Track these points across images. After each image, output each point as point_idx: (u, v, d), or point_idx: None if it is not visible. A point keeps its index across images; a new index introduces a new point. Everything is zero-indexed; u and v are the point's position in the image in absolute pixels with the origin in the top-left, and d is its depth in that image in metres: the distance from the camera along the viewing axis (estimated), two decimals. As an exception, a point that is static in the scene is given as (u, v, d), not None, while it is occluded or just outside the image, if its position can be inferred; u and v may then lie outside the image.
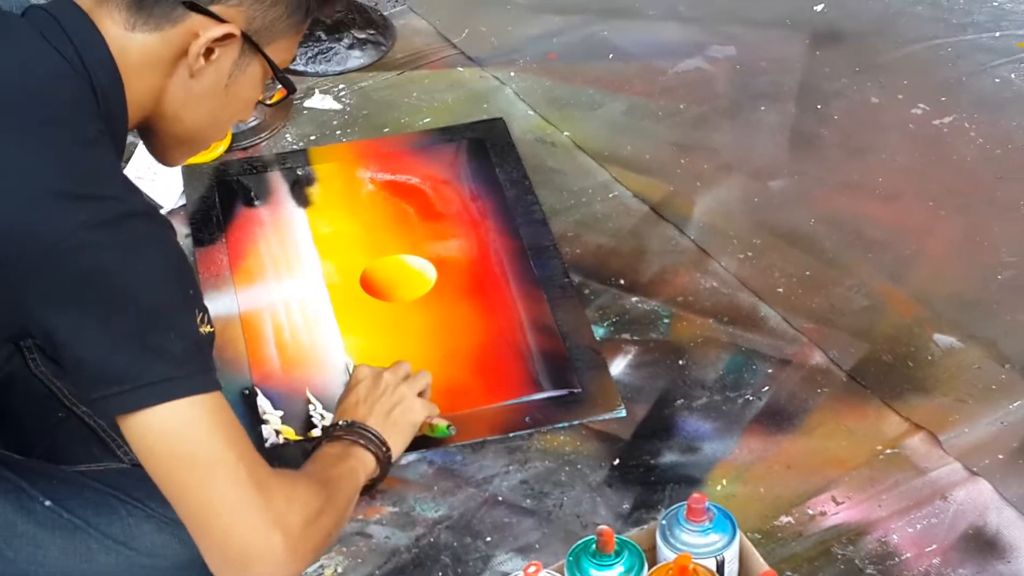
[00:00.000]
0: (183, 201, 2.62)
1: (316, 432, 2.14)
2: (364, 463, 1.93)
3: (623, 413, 2.18)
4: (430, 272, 2.42)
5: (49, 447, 1.95)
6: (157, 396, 1.57)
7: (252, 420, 2.16)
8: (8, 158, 1.56)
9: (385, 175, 2.63)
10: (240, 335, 2.32)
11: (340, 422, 1.99)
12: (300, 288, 2.40)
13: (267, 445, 2.11)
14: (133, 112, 1.68)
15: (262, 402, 2.19)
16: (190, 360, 1.58)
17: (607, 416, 2.18)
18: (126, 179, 1.65)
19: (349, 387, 2.07)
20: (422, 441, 2.11)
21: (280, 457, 2.07)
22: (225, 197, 2.58)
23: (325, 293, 2.39)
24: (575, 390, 2.22)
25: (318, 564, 2.00)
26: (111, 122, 1.65)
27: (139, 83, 1.67)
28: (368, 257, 2.46)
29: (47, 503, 1.77)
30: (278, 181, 2.61)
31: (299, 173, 2.63)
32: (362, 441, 1.96)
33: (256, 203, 2.57)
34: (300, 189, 2.59)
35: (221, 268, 2.43)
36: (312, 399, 2.21)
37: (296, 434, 2.16)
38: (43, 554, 1.78)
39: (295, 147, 2.73)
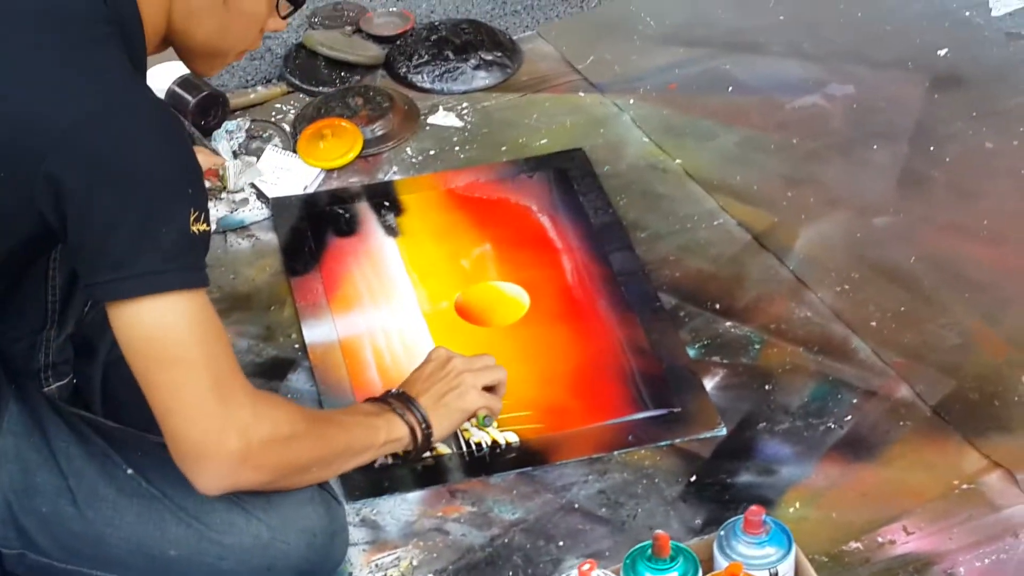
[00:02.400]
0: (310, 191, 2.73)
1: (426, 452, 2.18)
2: (392, 429, 2.01)
3: (723, 431, 2.23)
4: (524, 298, 2.48)
5: (146, 428, 2.04)
6: (143, 287, 1.68)
7: None
8: (25, 55, 1.69)
9: (471, 205, 2.70)
10: (341, 361, 2.39)
11: (395, 390, 2.07)
12: (397, 315, 2.47)
13: (375, 466, 2.15)
14: (151, 32, 1.81)
15: None
16: (179, 255, 1.70)
17: (708, 435, 2.22)
18: (137, 78, 1.77)
19: (422, 363, 2.15)
20: (522, 459, 2.18)
21: (390, 477, 2.16)
22: (316, 228, 2.65)
23: (422, 319, 2.45)
24: (675, 409, 2.26)
25: (394, 555, 2.07)
26: (129, 41, 1.77)
27: (149, 3, 1.80)
28: (460, 284, 2.52)
29: (129, 471, 1.87)
30: (367, 212, 2.68)
31: (387, 204, 2.70)
32: (399, 411, 2.04)
33: (347, 234, 2.64)
34: (389, 219, 2.66)
35: (317, 296, 2.50)
36: None
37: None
38: (120, 518, 1.88)
39: (414, 160, 2.82)
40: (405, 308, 2.48)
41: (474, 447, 2.20)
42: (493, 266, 2.56)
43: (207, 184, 2.55)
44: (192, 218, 1.71)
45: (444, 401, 2.09)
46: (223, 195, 2.67)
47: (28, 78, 1.69)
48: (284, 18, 1.95)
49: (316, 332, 2.44)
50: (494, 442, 2.20)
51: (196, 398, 1.75)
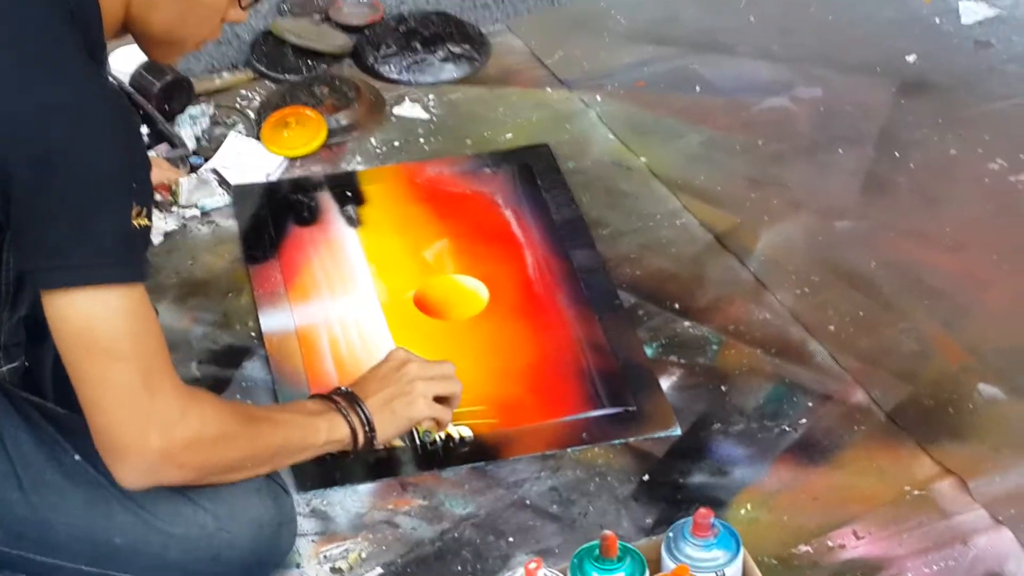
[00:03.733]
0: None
1: (377, 444, 2.13)
2: (333, 429, 1.99)
3: (678, 431, 2.22)
4: (483, 292, 2.48)
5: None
6: (78, 279, 1.68)
7: None
8: None
9: (434, 197, 2.69)
10: (297, 350, 2.37)
11: (344, 388, 2.06)
12: (355, 305, 2.46)
13: (327, 457, 2.10)
14: (109, 18, 1.80)
15: None
16: (117, 249, 1.69)
17: (662, 434, 2.22)
18: (92, 68, 1.75)
19: (379, 363, 2.12)
20: (475, 454, 2.18)
21: (341, 468, 2.15)
22: (276, 216, 2.64)
23: (380, 311, 2.44)
24: (630, 408, 2.26)
25: (343, 547, 2.06)
26: (86, 28, 1.76)
27: None
28: (420, 277, 2.52)
29: (76, 457, 1.86)
30: (328, 202, 2.67)
31: (348, 194, 2.69)
32: (344, 412, 2.01)
33: (307, 223, 2.63)
34: (350, 210, 2.66)
35: (275, 285, 2.49)
36: None
37: None
38: (66, 504, 1.87)
39: (378, 150, 2.81)
40: (363, 299, 2.47)
41: (427, 440, 2.19)
42: (453, 259, 2.55)
43: (157, 197, 2.54)
44: (134, 212, 1.71)
45: (392, 406, 2.05)
46: (173, 209, 2.64)
47: None
48: (244, 9, 1.94)
49: (273, 321, 2.43)
50: (447, 436, 2.20)
51: (121, 393, 1.74)
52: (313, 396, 2.07)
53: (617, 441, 2.21)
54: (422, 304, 2.46)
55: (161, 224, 2.62)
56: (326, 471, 2.15)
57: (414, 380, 2.08)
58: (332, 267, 2.54)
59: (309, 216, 2.64)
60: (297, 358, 2.36)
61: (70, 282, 1.70)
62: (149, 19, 1.85)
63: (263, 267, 2.54)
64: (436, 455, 2.18)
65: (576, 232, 2.60)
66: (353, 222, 2.63)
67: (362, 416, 2.02)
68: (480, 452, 2.19)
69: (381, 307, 2.45)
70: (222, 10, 1.90)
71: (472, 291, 2.48)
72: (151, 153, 2.78)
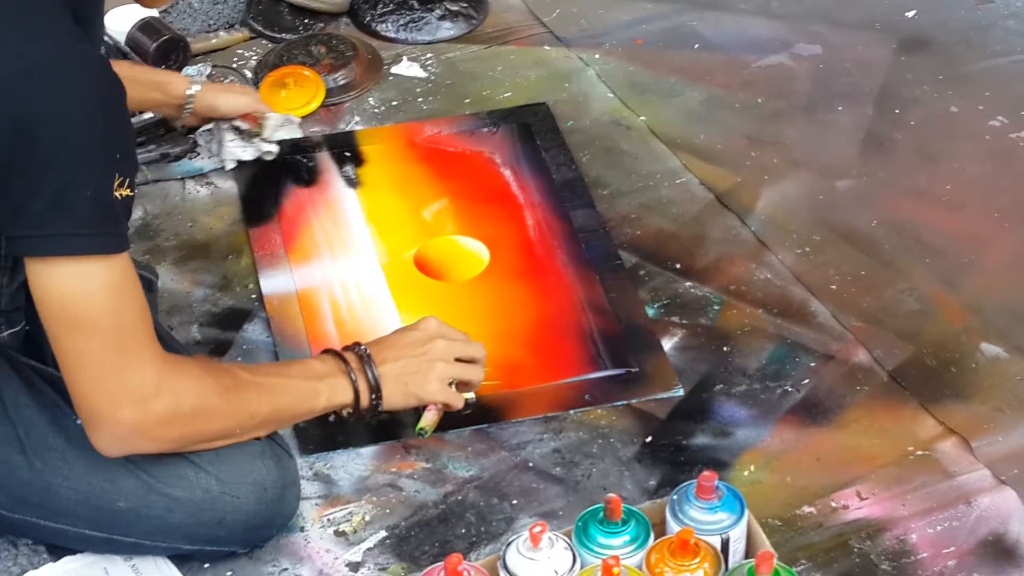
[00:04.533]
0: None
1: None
2: (335, 393, 1.98)
3: (680, 392, 2.22)
4: (483, 252, 2.47)
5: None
6: (60, 248, 1.69)
7: None
8: None
9: (433, 157, 2.67)
10: (298, 311, 2.37)
11: (363, 345, 2.04)
12: (355, 267, 2.45)
13: (330, 419, 2.09)
14: None
15: None
16: (98, 220, 1.69)
17: (665, 395, 2.22)
18: (75, 32, 1.74)
19: (406, 328, 2.10)
20: (478, 416, 2.17)
21: (344, 431, 2.14)
22: (275, 178, 2.62)
23: (380, 272, 2.44)
24: (632, 369, 2.26)
25: (347, 510, 2.06)
26: None
27: None
28: (420, 238, 2.51)
29: (79, 421, 1.85)
30: (327, 162, 2.66)
31: (347, 155, 2.67)
32: (353, 375, 2.00)
33: (307, 183, 2.62)
34: (349, 170, 2.64)
35: (275, 247, 2.48)
36: None
37: None
38: (69, 468, 1.87)
39: (376, 110, 2.79)
40: (364, 260, 2.46)
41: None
42: (453, 220, 2.54)
43: (243, 126, 2.54)
44: (116, 183, 1.70)
45: (402, 380, 2.03)
46: (254, 140, 2.61)
47: None
48: None
49: (273, 283, 2.42)
50: None
51: (98, 365, 1.75)
52: (326, 351, 2.05)
53: (619, 402, 2.21)
54: (422, 265, 2.45)
55: (239, 151, 2.60)
56: (329, 434, 2.15)
57: (436, 360, 2.05)
58: (332, 228, 2.53)
59: (308, 177, 2.63)
60: (298, 320, 2.35)
61: (51, 251, 1.70)
62: None
63: (263, 229, 2.53)
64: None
65: (576, 192, 2.59)
66: (352, 183, 2.62)
67: (371, 381, 2.01)
68: (483, 414, 2.18)
69: (381, 268, 2.44)
70: None
71: (472, 252, 2.47)
72: (229, 80, 2.81)
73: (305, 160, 2.66)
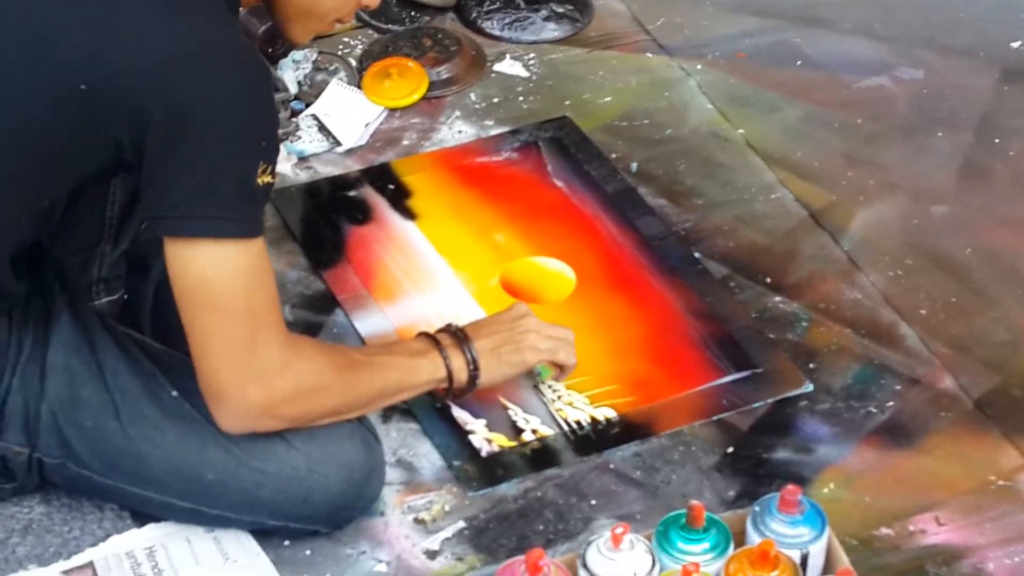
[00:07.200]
0: (364, 141, 2.71)
1: (527, 436, 2.17)
2: (436, 368, 2.04)
3: (811, 387, 2.24)
4: (568, 271, 2.45)
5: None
6: (202, 229, 1.74)
7: (457, 433, 2.18)
8: None
9: (481, 180, 2.64)
10: None
11: (457, 326, 2.10)
12: (447, 299, 2.41)
13: (483, 455, 2.14)
14: None
15: (459, 414, 2.20)
16: (241, 205, 1.75)
17: (797, 392, 2.24)
18: (230, 21, 1.79)
19: (500, 311, 2.17)
20: (627, 433, 2.18)
21: (502, 464, 2.14)
22: (328, 218, 2.56)
23: (472, 301, 2.40)
24: (757, 370, 2.27)
25: (427, 499, 2.08)
26: None
27: None
28: (498, 263, 2.47)
29: (174, 393, 1.90)
30: (374, 197, 2.59)
31: (391, 187, 2.62)
32: (449, 351, 2.04)
33: (361, 221, 2.56)
34: (400, 203, 2.59)
35: (356, 288, 2.42)
36: (508, 404, 2.22)
37: (508, 439, 2.18)
38: (161, 438, 1.92)
39: (477, 106, 2.81)
40: (452, 292, 2.42)
41: (575, 425, 2.18)
42: (524, 240, 2.52)
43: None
44: (260, 170, 1.75)
45: (500, 351, 2.10)
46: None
47: (128, 14, 1.73)
48: None
49: (369, 323, 2.37)
50: (593, 419, 2.19)
51: (228, 346, 1.81)
52: (420, 335, 2.09)
53: (757, 404, 2.22)
54: (512, 290, 2.43)
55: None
56: (490, 468, 2.14)
57: (528, 332, 2.12)
58: (407, 263, 2.48)
59: (361, 214, 2.57)
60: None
61: (194, 232, 1.75)
62: None
63: (335, 271, 2.46)
64: (589, 439, 2.17)
65: (633, 201, 2.58)
66: (409, 215, 2.57)
67: (468, 356, 2.05)
68: (632, 431, 2.19)
69: (472, 297, 2.41)
70: None
71: (557, 272, 2.46)
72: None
73: (352, 196, 2.61)
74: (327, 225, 2.55)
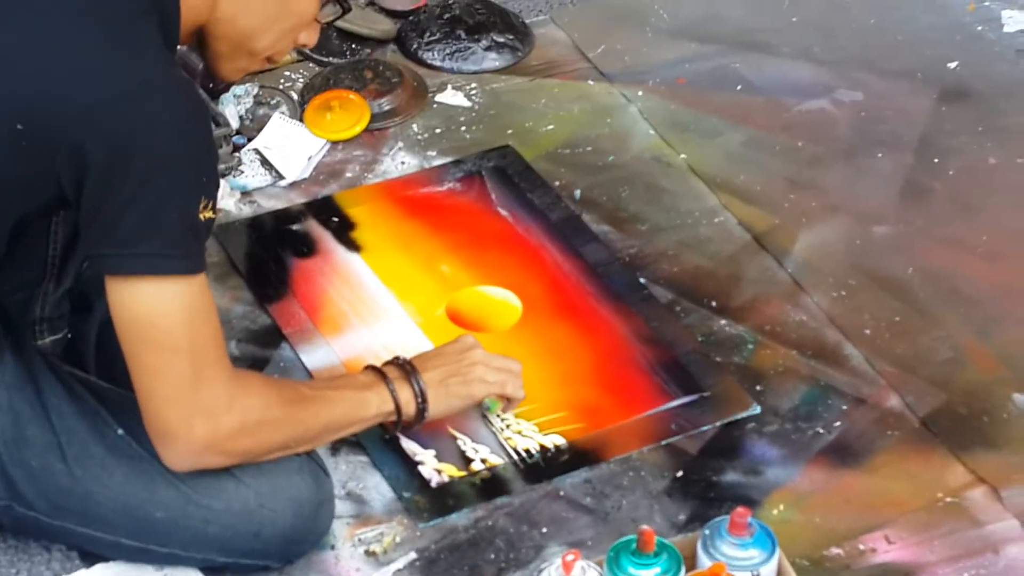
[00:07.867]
0: (307, 174, 2.70)
1: (477, 465, 2.17)
2: (383, 402, 2.04)
3: (758, 409, 2.25)
4: (514, 300, 2.46)
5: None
6: (144, 267, 1.73)
7: (406, 464, 2.17)
8: (64, 30, 1.73)
9: (424, 210, 2.64)
10: None
11: (404, 358, 2.10)
12: (392, 331, 2.40)
13: (433, 485, 2.14)
14: (188, 21, 1.82)
15: (408, 445, 2.19)
16: (183, 241, 1.75)
17: (744, 414, 2.25)
18: (167, 58, 1.79)
19: (446, 343, 2.17)
20: (577, 460, 2.18)
21: (452, 494, 2.14)
22: (272, 252, 2.55)
23: (419, 331, 2.40)
24: (704, 394, 2.28)
25: (378, 531, 2.08)
26: (164, 25, 1.79)
27: None
28: (443, 293, 2.47)
29: (120, 431, 1.89)
30: (319, 230, 2.59)
31: (335, 219, 2.61)
32: (396, 384, 2.05)
33: (306, 254, 2.55)
34: (344, 235, 2.58)
35: (302, 322, 2.41)
36: (457, 434, 2.21)
37: (458, 469, 2.17)
38: (108, 477, 1.90)
39: (420, 136, 2.81)
40: (398, 322, 2.42)
41: (524, 454, 2.18)
42: (469, 270, 2.52)
43: None
44: (201, 206, 1.75)
45: (447, 383, 2.10)
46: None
47: (65, 52, 1.73)
48: (321, 24, 1.96)
49: (315, 357, 2.36)
50: (542, 447, 2.19)
51: (173, 384, 1.80)
52: (367, 368, 2.09)
53: (706, 427, 2.22)
54: (457, 320, 2.43)
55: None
56: (440, 499, 2.14)
57: (475, 364, 2.12)
58: (352, 296, 2.47)
59: (305, 248, 2.56)
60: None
61: (136, 270, 1.75)
62: (235, 19, 1.86)
63: (281, 305, 2.45)
64: (539, 467, 2.17)
65: (577, 228, 2.58)
66: (353, 247, 2.56)
67: (416, 388, 2.05)
68: (581, 457, 2.19)
69: (419, 327, 2.41)
70: (305, 22, 1.92)
71: (503, 300, 2.46)
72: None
73: (296, 231, 2.60)
74: (272, 259, 2.55)
